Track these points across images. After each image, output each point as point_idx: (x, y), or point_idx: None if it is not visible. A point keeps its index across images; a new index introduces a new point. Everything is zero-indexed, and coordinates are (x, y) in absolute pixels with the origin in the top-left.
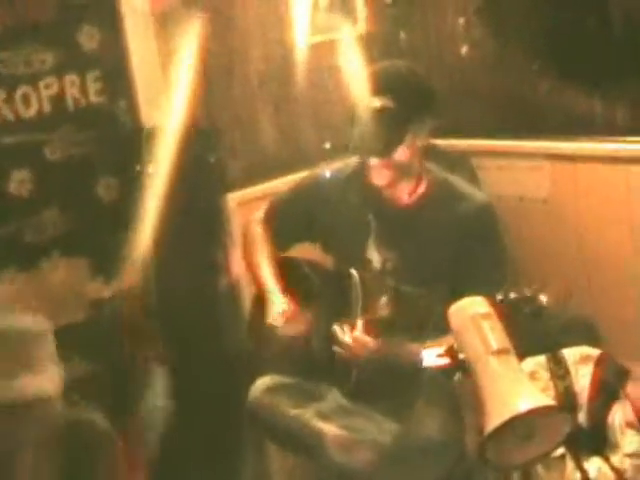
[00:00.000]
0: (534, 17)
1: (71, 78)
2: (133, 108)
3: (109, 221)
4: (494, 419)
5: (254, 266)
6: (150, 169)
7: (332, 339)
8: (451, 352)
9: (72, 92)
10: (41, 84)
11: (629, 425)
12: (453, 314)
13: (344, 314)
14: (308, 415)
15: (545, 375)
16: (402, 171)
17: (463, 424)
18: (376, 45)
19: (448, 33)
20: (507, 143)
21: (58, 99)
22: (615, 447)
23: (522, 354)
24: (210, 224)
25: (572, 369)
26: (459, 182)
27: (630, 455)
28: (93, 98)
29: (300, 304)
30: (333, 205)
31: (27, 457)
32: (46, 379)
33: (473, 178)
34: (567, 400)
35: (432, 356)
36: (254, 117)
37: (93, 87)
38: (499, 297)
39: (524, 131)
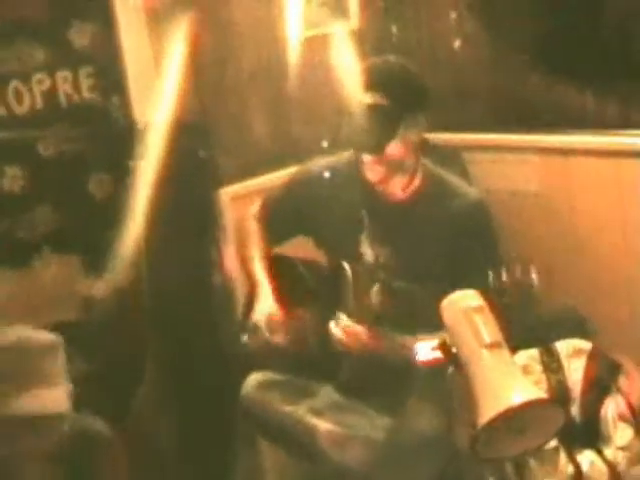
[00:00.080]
0: (526, 12)
1: (63, 74)
2: (126, 104)
3: (102, 218)
4: (487, 412)
5: (247, 261)
6: (142, 165)
7: (328, 337)
8: (444, 346)
9: (65, 88)
10: (33, 80)
11: (621, 418)
12: (445, 308)
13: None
14: (301, 411)
15: (538, 368)
16: (395, 167)
17: (456, 419)
18: (368, 40)
19: (440, 28)
20: (498, 137)
21: (51, 95)
22: (608, 440)
23: (514, 347)
24: (203, 219)
25: (565, 362)
26: (453, 178)
27: (622, 448)
28: (86, 94)
29: (294, 304)
30: (326, 200)
31: (35, 468)
32: (60, 393)
33: (464, 173)
34: (560, 393)
35: (426, 349)
36: (246, 112)
37: (86, 83)
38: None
39: (515, 125)
